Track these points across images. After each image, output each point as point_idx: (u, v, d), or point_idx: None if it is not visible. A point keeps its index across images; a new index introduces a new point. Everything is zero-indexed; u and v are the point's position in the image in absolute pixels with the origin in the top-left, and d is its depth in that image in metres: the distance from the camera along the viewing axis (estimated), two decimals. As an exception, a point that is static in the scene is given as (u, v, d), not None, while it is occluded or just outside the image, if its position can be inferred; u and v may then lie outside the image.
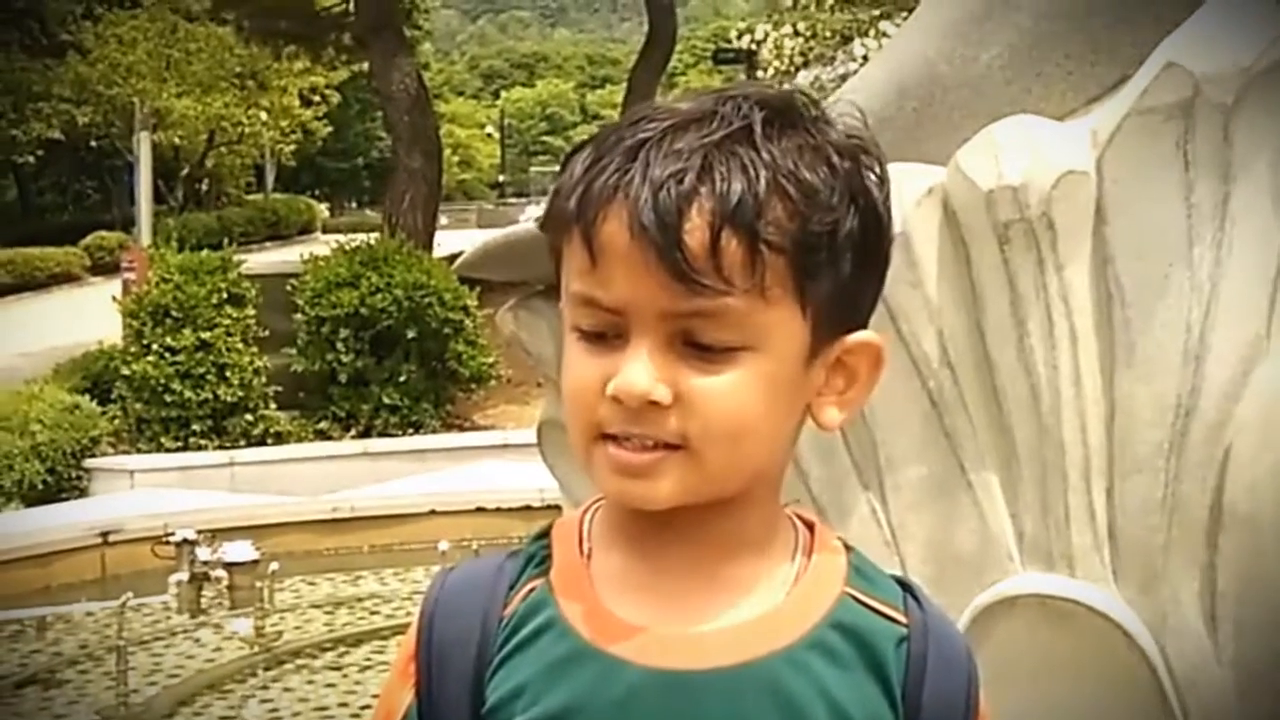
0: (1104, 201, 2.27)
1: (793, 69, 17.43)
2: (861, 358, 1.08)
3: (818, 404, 1.08)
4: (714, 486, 1.04)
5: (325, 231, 37.20)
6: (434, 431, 12.41)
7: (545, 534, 1.14)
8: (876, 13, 16.20)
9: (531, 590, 1.09)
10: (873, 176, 1.06)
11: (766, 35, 17.73)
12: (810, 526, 1.13)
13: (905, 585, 1.13)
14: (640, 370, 1.00)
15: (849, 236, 1.03)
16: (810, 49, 17.32)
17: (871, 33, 15.62)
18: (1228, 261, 2.21)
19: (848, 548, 1.12)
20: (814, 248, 1.01)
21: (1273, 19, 2.22)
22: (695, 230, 0.98)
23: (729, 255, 0.98)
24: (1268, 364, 2.21)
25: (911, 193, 2.37)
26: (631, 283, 1.00)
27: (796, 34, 17.37)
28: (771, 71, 17.56)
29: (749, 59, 19.21)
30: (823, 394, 1.08)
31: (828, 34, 17.09)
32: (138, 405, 11.74)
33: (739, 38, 19.16)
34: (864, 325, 1.08)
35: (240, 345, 11.97)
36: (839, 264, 1.03)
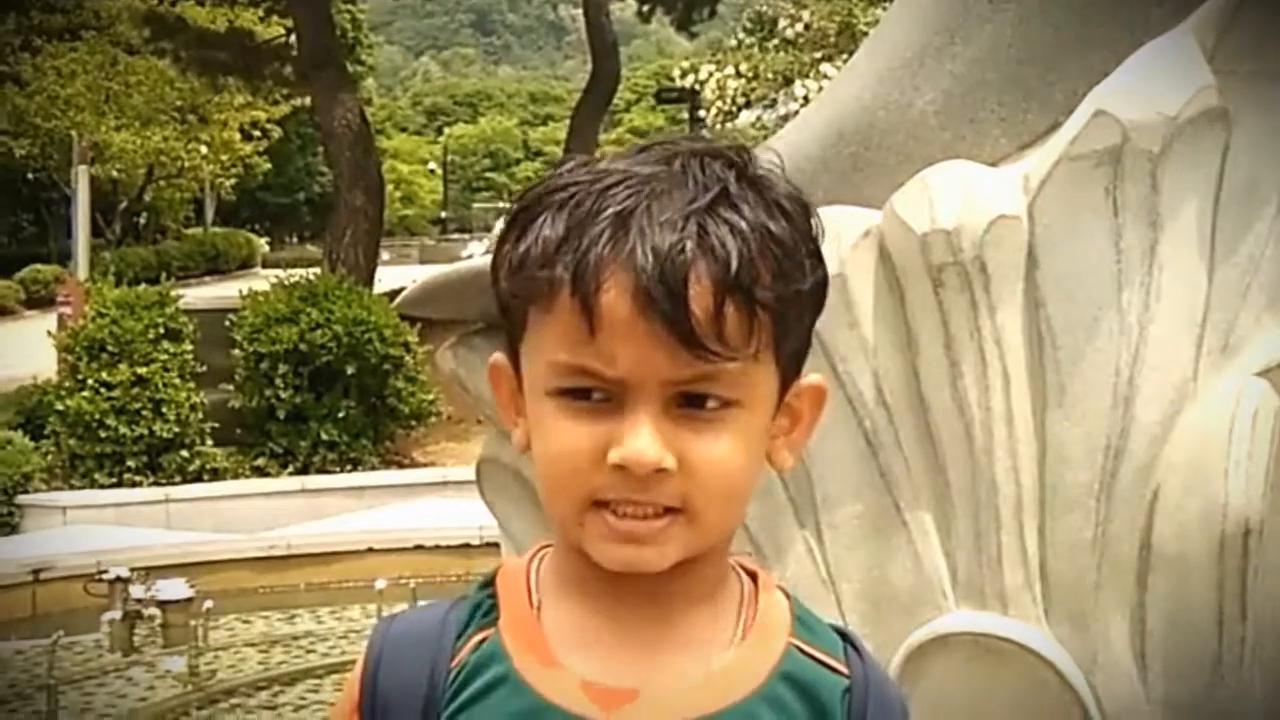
0: (1035, 245, 2.31)
1: (735, 109, 17.56)
2: (805, 400, 1.11)
3: (774, 448, 1.10)
4: (707, 544, 1.06)
5: (265, 266, 36.92)
6: (373, 468, 12.31)
7: (490, 583, 1.13)
8: (818, 55, 16.36)
9: (481, 641, 1.09)
10: (817, 223, 1.09)
11: (709, 75, 17.86)
12: (753, 576, 1.14)
13: (844, 635, 1.14)
14: (648, 440, 1.01)
15: (813, 291, 1.07)
16: (752, 89, 17.46)
17: (812, 74, 15.78)
18: (1155, 306, 2.26)
19: (789, 596, 1.14)
20: (793, 305, 1.05)
21: (1198, 70, 2.27)
22: (700, 298, 0.99)
23: (730, 321, 1.00)
24: (1195, 407, 2.25)
25: (849, 235, 2.40)
26: (636, 352, 1.00)
27: (739, 75, 17.51)
28: (714, 111, 17.68)
29: (692, 98, 19.34)
30: (776, 437, 1.10)
31: (769, 75, 17.24)
32: (71, 441, 11.58)
33: (682, 77, 19.29)
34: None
35: (177, 381, 11.85)
36: (804, 317, 1.07)
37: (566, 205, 1.04)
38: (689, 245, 1.00)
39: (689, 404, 1.02)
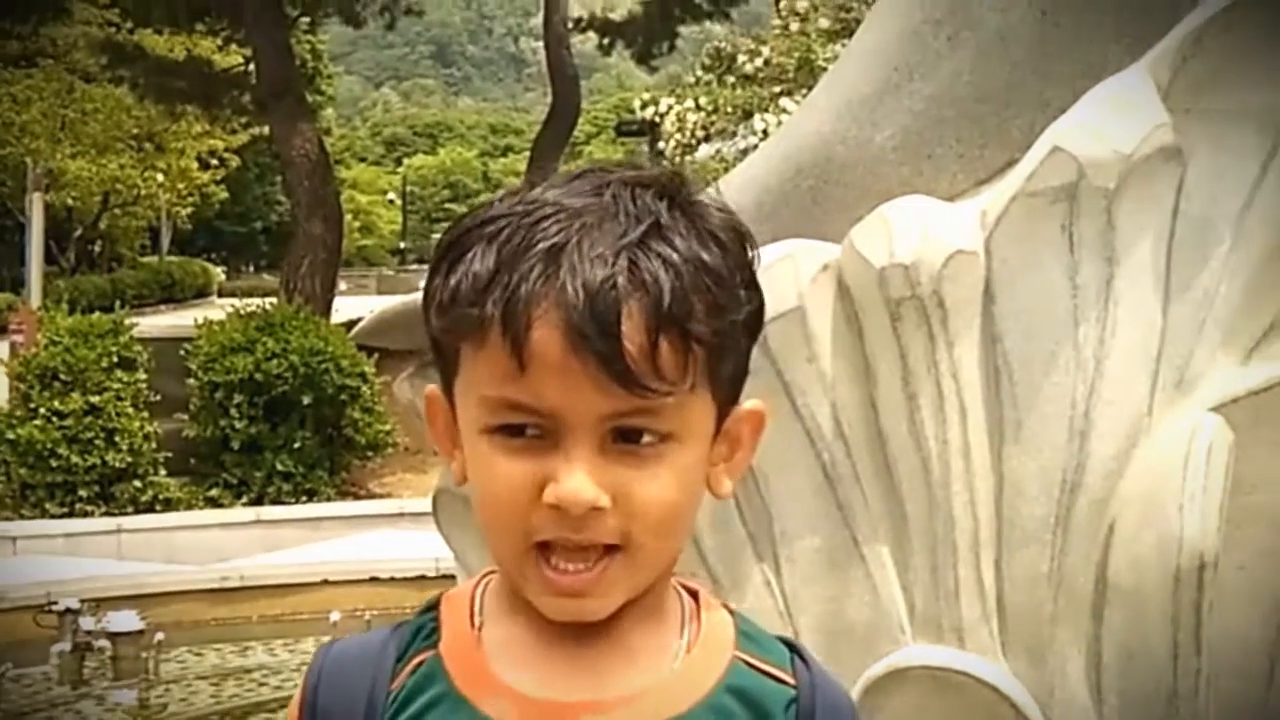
0: (992, 280, 2.32)
1: (694, 142, 17.62)
2: (745, 424, 1.11)
3: (713, 474, 1.10)
4: (648, 580, 1.06)
5: (221, 295, 36.77)
6: (328, 499, 12.21)
7: (434, 606, 1.13)
8: (777, 89, 16.46)
9: (420, 663, 1.09)
10: (751, 250, 1.09)
11: (669, 109, 17.92)
12: (694, 594, 1.14)
13: (792, 646, 1.15)
14: (582, 479, 1.00)
15: (748, 319, 1.07)
16: (712, 123, 17.53)
17: (772, 108, 15.87)
18: (1111, 341, 2.28)
19: (732, 612, 1.14)
20: (728, 336, 1.04)
21: (1153, 107, 2.30)
22: (633, 334, 0.99)
23: (665, 357, 1.00)
24: (1150, 442, 2.27)
25: (807, 269, 2.41)
26: (567, 389, 0.99)
27: (698, 108, 17.58)
28: (674, 144, 17.73)
29: (651, 131, 19.39)
30: (715, 464, 1.10)
31: (729, 109, 17.32)
32: (22, 470, 11.44)
33: (642, 109, 19.34)
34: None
35: (130, 410, 11.74)
36: (740, 345, 1.07)
37: (496, 239, 1.03)
38: (620, 280, 0.99)
39: (624, 439, 1.01)
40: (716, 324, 1.02)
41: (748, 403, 1.10)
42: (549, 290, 0.99)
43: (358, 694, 1.09)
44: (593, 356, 0.98)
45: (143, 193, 35.88)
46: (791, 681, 1.11)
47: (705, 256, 1.03)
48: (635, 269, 1.00)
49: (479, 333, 1.02)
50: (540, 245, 1.01)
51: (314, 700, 1.10)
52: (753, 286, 1.07)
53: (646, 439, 1.02)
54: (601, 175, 1.06)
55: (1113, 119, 2.28)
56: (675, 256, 1.01)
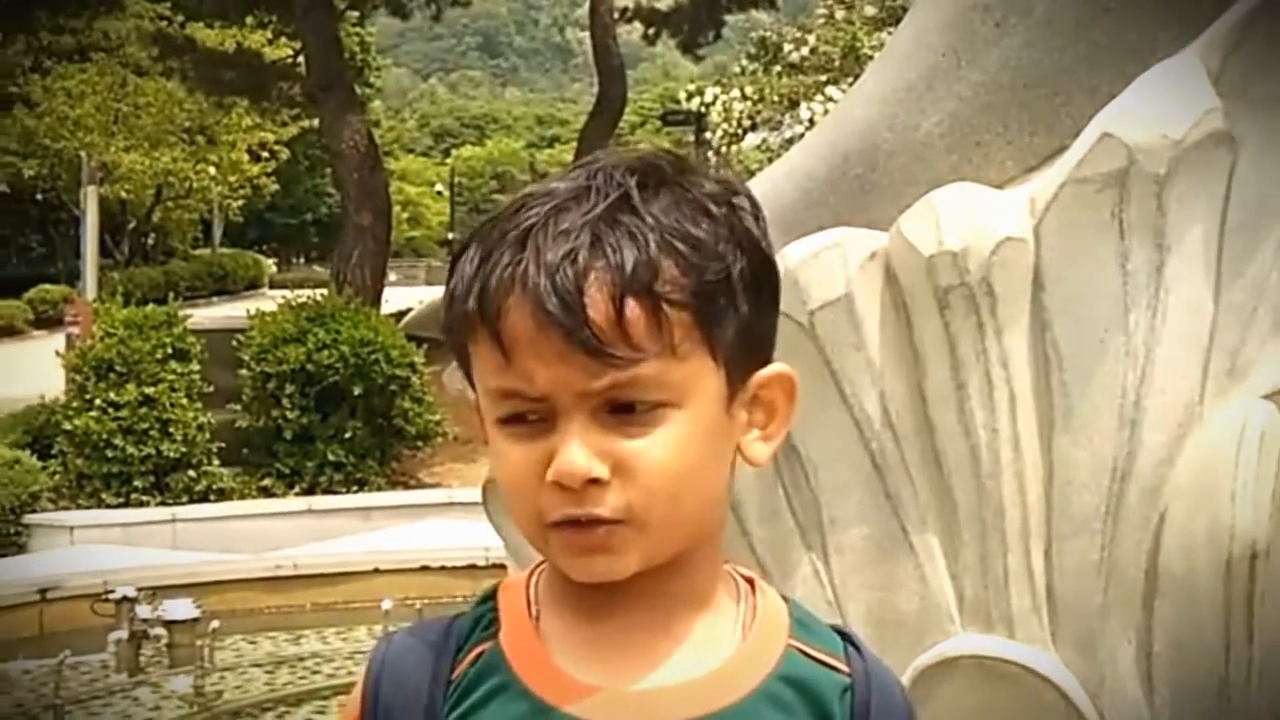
0: (1042, 268, 2.31)
1: (740, 131, 17.62)
2: (776, 390, 1.10)
3: (745, 443, 1.09)
4: (665, 549, 1.06)
5: (273, 287, 37.07)
6: (379, 489, 12.32)
7: (491, 596, 1.14)
8: (823, 78, 16.41)
9: (481, 653, 1.10)
10: (749, 215, 1.08)
11: (715, 98, 17.91)
12: (750, 581, 1.14)
13: (845, 635, 1.15)
14: (576, 451, 1.01)
15: (741, 278, 1.05)
16: (758, 112, 17.51)
17: (818, 97, 15.82)
18: (1162, 329, 2.26)
19: (786, 600, 1.14)
20: (712, 296, 1.03)
21: (1203, 93, 2.28)
22: (598, 304, 0.99)
23: (634, 323, 1.00)
24: (1201, 430, 2.25)
25: (855, 257, 2.40)
26: (548, 369, 1.01)
27: (744, 97, 17.56)
28: (720, 134, 17.72)
29: (697, 121, 19.40)
30: (748, 430, 1.10)
31: (775, 98, 17.29)
32: (79, 460, 11.60)
33: (688, 100, 19.34)
34: (771, 358, 1.10)
35: (184, 401, 11.87)
36: (738, 306, 1.05)
37: (486, 237, 1.05)
38: (581, 254, 1.00)
39: (619, 410, 1.02)
40: (692, 283, 1.02)
41: (771, 366, 1.10)
42: (515, 276, 1.01)
43: (419, 685, 1.10)
44: (557, 331, 0.99)
45: (195, 185, 36.25)
46: (845, 670, 1.11)
47: (676, 222, 1.03)
48: (598, 241, 1.01)
49: (470, 329, 1.04)
50: (513, 234, 1.03)
51: (376, 693, 1.11)
52: (745, 247, 1.06)
53: (640, 408, 1.02)
54: (596, 162, 1.08)
55: (1163, 105, 2.26)
56: (639, 224, 1.02)
